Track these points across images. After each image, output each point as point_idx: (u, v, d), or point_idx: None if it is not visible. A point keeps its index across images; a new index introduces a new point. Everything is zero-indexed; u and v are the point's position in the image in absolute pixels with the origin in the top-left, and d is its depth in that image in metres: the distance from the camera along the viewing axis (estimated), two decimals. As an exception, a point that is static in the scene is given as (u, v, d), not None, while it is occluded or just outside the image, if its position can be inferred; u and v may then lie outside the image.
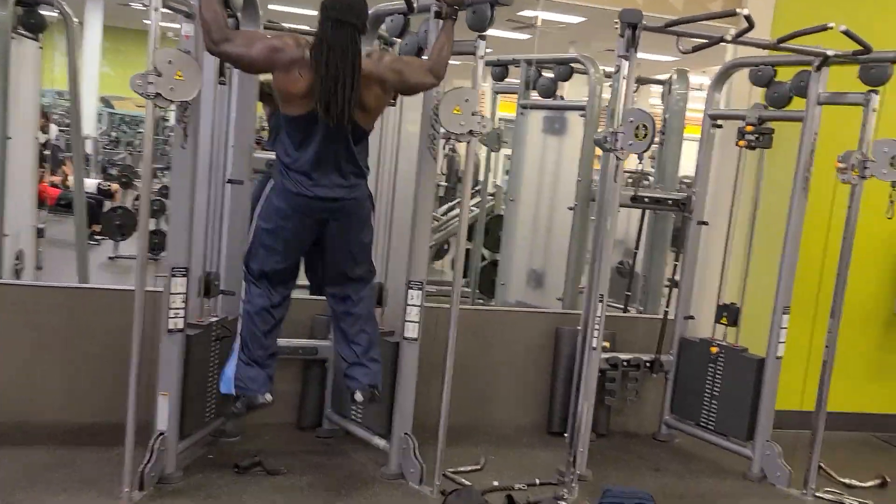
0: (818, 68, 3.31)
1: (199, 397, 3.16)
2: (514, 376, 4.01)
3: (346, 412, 3.52)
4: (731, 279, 3.89)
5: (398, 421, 3.23)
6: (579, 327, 3.87)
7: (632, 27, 2.96)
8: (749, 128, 3.63)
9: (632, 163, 3.82)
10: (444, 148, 2.98)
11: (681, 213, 3.84)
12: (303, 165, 2.74)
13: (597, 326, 3.32)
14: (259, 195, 2.99)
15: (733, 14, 2.94)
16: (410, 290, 3.14)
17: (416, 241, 3.15)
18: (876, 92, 3.28)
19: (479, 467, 3.43)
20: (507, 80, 4.69)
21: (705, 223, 3.91)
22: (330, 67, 2.60)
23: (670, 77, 4.45)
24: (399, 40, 3.27)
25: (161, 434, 2.86)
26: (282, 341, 3.47)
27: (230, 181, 3.27)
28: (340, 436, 3.60)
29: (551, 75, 4.41)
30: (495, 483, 3.25)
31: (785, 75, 3.63)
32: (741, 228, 3.83)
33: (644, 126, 2.94)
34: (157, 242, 4.93)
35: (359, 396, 3.00)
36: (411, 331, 3.16)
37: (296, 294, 3.58)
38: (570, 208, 4.12)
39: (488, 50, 2.96)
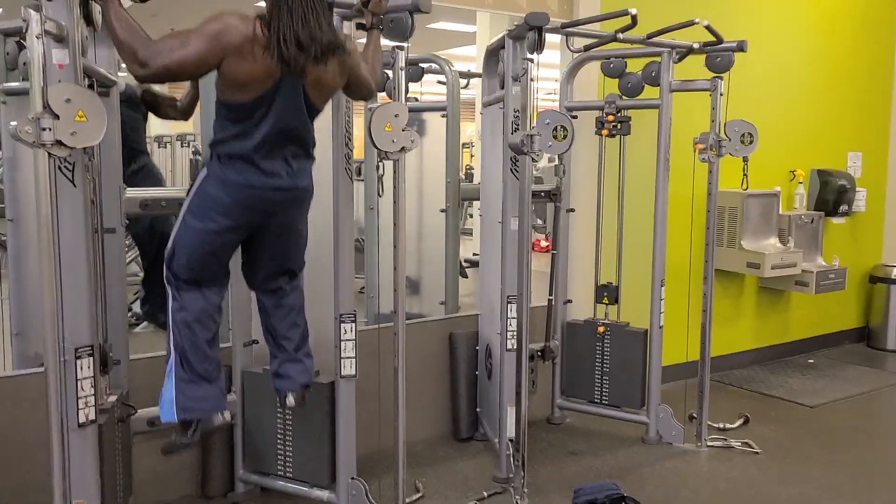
0: (680, 59, 3.59)
1: (111, 494, 2.64)
2: (412, 390, 3.84)
3: (267, 468, 3.16)
4: (603, 260, 4.12)
5: (342, 466, 2.98)
6: (475, 330, 3.93)
7: (537, 30, 2.97)
8: (609, 117, 3.84)
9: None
10: (378, 168, 2.76)
11: (552, 203, 3.96)
12: (250, 152, 2.35)
13: (512, 328, 3.35)
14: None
15: (624, 14, 3.06)
16: (343, 325, 2.90)
17: (341, 271, 2.90)
18: (721, 78, 3.64)
19: (421, 495, 3.29)
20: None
21: (572, 210, 4.09)
22: (297, 26, 2.25)
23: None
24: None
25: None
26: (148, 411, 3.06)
27: (105, 230, 2.73)
28: (258, 496, 3.24)
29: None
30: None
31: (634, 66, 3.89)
32: (610, 212, 4.06)
33: (563, 127, 2.97)
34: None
35: (291, 400, 2.72)
36: (348, 367, 2.92)
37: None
38: (443, 210, 4.06)
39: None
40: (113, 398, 2.69)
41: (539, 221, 6.53)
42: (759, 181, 4.67)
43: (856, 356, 5.72)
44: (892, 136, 6.05)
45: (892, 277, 5.85)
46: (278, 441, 3.11)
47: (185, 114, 3.20)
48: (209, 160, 2.44)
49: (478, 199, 4.21)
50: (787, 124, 5.26)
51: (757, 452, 3.76)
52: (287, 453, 3.10)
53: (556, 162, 3.91)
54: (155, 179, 4.25)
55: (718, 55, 3.60)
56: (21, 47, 3.19)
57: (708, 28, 3.37)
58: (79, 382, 2.31)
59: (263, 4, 2.36)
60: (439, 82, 4.20)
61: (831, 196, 5.42)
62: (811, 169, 5.46)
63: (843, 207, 5.45)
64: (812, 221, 5.29)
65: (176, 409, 2.46)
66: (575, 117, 4.02)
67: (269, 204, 2.45)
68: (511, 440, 3.34)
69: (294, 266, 2.70)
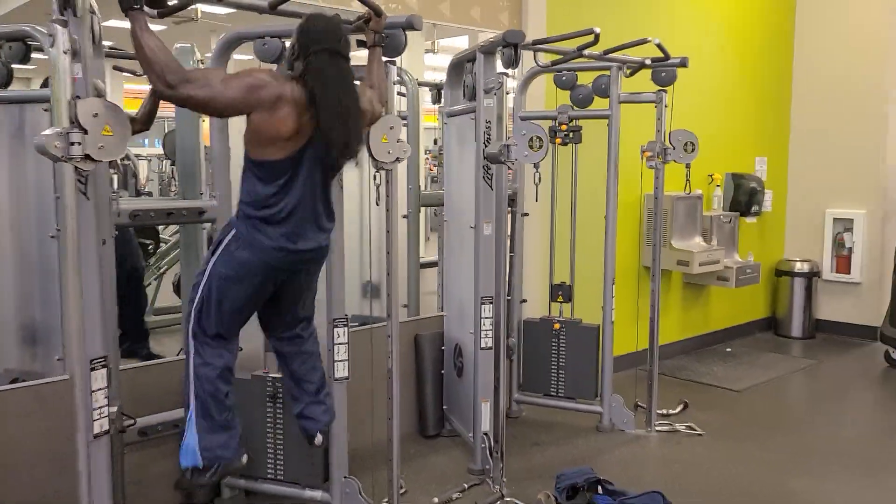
0: (632, 73, 3.87)
1: (114, 505, 2.64)
2: (379, 390, 3.97)
3: (256, 472, 3.21)
4: (557, 261, 4.36)
5: (336, 466, 3.08)
6: (440, 331, 4.08)
7: (513, 47, 3.16)
8: (563, 126, 4.08)
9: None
10: (374, 179, 2.86)
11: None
12: (282, 215, 2.41)
13: (490, 327, 3.53)
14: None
15: (589, 33, 3.30)
16: (336, 329, 2.99)
17: (334, 277, 3.00)
18: (665, 91, 3.95)
19: (404, 490, 3.41)
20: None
21: (527, 214, 4.31)
22: (342, 102, 2.34)
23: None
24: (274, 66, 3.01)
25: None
26: (159, 416, 3.09)
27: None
28: (243, 500, 3.28)
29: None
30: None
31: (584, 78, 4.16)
32: (562, 215, 4.30)
33: (538, 138, 3.18)
34: None
35: (319, 440, 2.81)
36: (341, 370, 3.02)
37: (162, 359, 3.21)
38: (405, 216, 4.18)
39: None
40: (114, 409, 2.69)
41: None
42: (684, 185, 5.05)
43: (767, 344, 6.24)
44: (792, 143, 6.64)
45: (795, 271, 6.41)
46: (268, 444, 3.17)
47: (144, 124, 3.21)
48: (237, 220, 2.48)
49: (436, 205, 4.37)
50: (705, 131, 5.62)
51: (700, 435, 4.10)
52: (278, 456, 3.16)
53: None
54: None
55: (664, 70, 3.91)
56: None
57: (658, 46, 3.66)
58: (93, 394, 2.33)
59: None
60: (399, 93, 4.32)
61: (744, 198, 5.90)
62: (726, 173, 5.93)
63: (755, 208, 5.93)
64: (730, 221, 5.75)
65: (200, 456, 2.51)
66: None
67: (297, 264, 2.53)
68: (486, 433, 3.52)
69: (310, 312, 2.78)
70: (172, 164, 4.42)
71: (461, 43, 4.89)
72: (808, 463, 3.77)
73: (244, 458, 2.64)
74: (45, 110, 2.96)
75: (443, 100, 4.21)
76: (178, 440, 3.21)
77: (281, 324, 2.74)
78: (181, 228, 3.46)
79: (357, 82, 2.50)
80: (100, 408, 2.35)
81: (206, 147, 3.42)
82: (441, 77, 4.59)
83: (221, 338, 2.54)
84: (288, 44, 2.61)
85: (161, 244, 5.39)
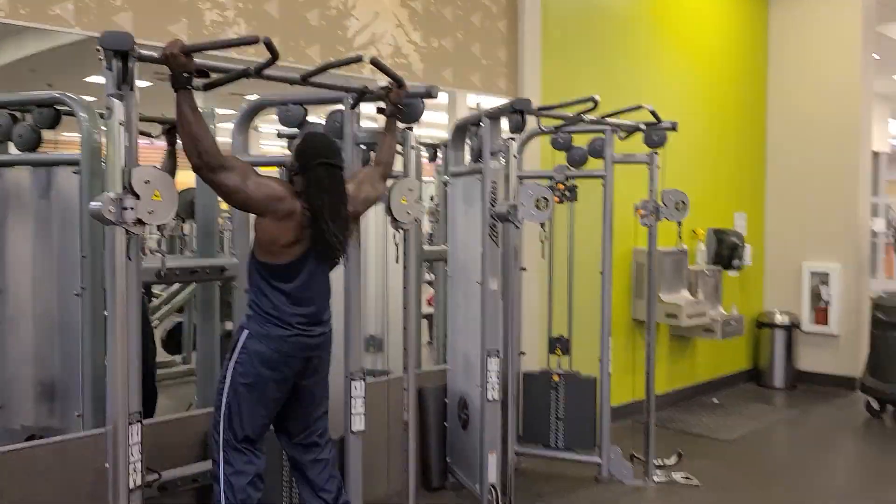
0: (627, 136, 4.09)
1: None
2: (385, 443, 4.07)
3: (271, 527, 3.26)
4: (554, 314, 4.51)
5: (352, 518, 3.13)
6: (443, 384, 4.18)
7: (520, 113, 3.35)
8: (560, 185, 4.27)
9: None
10: (394, 238, 3.00)
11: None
12: (290, 308, 2.65)
13: (496, 379, 3.63)
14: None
15: (590, 100, 3.51)
16: (353, 382, 3.08)
17: (351, 331, 3.10)
18: (657, 153, 4.17)
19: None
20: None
21: (524, 269, 4.46)
22: (331, 211, 2.59)
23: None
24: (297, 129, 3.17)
25: None
26: (174, 472, 3.13)
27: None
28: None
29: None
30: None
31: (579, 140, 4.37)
32: (559, 270, 4.47)
33: (544, 199, 3.35)
34: None
35: None
36: (358, 423, 3.10)
37: (177, 413, 3.28)
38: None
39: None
40: (140, 463, 2.75)
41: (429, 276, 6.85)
42: (670, 240, 5.26)
43: (751, 394, 6.41)
44: (768, 199, 6.93)
45: (776, 323, 6.63)
46: (283, 495, 3.22)
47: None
48: (247, 321, 2.69)
49: (436, 260, 4.51)
50: (688, 189, 5.90)
51: (697, 485, 4.21)
52: (283, 483, 3.21)
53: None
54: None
55: (656, 134, 4.13)
56: (14, 119, 3.23)
57: (651, 112, 3.89)
58: (130, 448, 2.39)
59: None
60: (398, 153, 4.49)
61: (726, 252, 6.13)
62: (708, 228, 6.17)
63: (737, 262, 6.16)
64: (714, 275, 5.96)
65: None
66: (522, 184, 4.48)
67: (307, 349, 2.71)
68: (493, 485, 3.60)
69: (321, 412, 2.89)
70: (183, 221, 4.50)
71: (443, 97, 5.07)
72: (803, 511, 3.90)
73: None
74: (75, 173, 3.07)
75: (443, 159, 4.39)
76: (193, 495, 3.28)
77: (299, 426, 2.84)
78: (198, 285, 3.55)
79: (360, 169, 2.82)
80: (134, 462, 2.42)
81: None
82: (433, 132, 4.79)
83: (250, 441, 2.67)
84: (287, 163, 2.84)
85: (153, 298, 5.43)
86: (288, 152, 3.65)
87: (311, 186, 2.59)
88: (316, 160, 2.61)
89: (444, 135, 4.53)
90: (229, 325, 3.76)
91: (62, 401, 3.20)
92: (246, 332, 2.66)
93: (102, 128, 2.93)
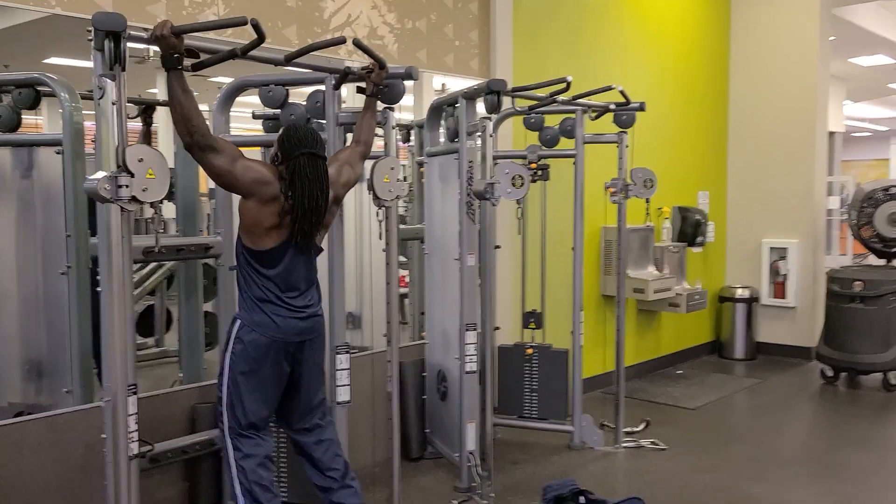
0: (597, 117, 4.22)
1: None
2: (364, 416, 4.19)
3: (258, 496, 3.35)
4: (528, 290, 4.66)
5: (337, 486, 3.25)
6: (421, 358, 4.31)
7: (496, 94, 3.45)
8: (533, 165, 4.40)
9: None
10: (377, 215, 3.09)
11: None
12: (277, 294, 2.73)
13: (474, 352, 3.77)
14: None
15: (562, 81, 3.63)
16: (338, 356, 3.19)
17: (335, 307, 3.20)
18: (626, 132, 4.32)
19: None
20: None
21: (499, 247, 4.59)
22: (310, 201, 2.66)
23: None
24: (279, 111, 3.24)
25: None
26: (164, 444, 3.21)
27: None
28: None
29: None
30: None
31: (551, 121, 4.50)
32: (532, 247, 4.61)
33: (520, 176, 3.47)
34: None
35: None
36: (343, 395, 3.21)
37: (164, 389, 3.38)
38: (384, 250, 4.40)
39: None
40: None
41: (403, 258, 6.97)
42: (637, 218, 5.43)
43: (713, 365, 6.66)
44: (730, 178, 7.15)
45: (737, 297, 6.87)
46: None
47: None
48: (240, 311, 2.77)
49: (412, 239, 4.61)
50: (655, 167, 6.10)
51: (664, 449, 4.41)
52: (281, 476, 3.32)
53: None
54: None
55: (625, 114, 4.27)
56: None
57: (621, 92, 4.03)
58: (130, 418, 2.47)
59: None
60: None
61: (690, 229, 6.33)
62: (673, 206, 6.36)
63: (700, 238, 6.37)
64: (678, 251, 6.16)
65: None
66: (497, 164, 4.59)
67: (299, 332, 2.78)
68: (471, 453, 3.74)
69: (320, 398, 2.98)
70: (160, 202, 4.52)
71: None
72: (764, 471, 4.11)
73: None
74: (57, 153, 3.11)
75: (416, 139, 4.48)
76: (182, 465, 3.37)
77: (299, 413, 2.93)
78: (181, 264, 3.61)
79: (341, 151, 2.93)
80: (132, 432, 2.50)
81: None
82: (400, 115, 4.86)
83: (255, 427, 2.77)
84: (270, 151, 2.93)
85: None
86: (263, 132, 3.73)
87: (292, 176, 2.67)
88: (298, 150, 2.69)
89: (409, 116, 4.62)
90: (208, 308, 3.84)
91: (49, 378, 3.25)
92: (238, 322, 2.75)
93: (85, 110, 2.97)
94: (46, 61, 3.61)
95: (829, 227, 9.53)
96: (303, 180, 2.66)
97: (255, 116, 3.88)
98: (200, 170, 3.56)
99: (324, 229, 2.84)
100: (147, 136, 3.68)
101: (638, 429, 4.73)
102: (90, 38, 2.30)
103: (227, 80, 3.45)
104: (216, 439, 3.30)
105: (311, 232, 2.72)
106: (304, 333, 2.82)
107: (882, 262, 6.09)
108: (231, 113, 3.50)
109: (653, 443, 4.48)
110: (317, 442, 2.94)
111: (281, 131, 2.80)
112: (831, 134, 12.61)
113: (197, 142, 2.46)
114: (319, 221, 2.74)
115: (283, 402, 2.90)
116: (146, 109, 3.72)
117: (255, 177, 2.62)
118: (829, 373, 5.95)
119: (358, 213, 4.56)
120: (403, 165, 5.31)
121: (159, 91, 3.74)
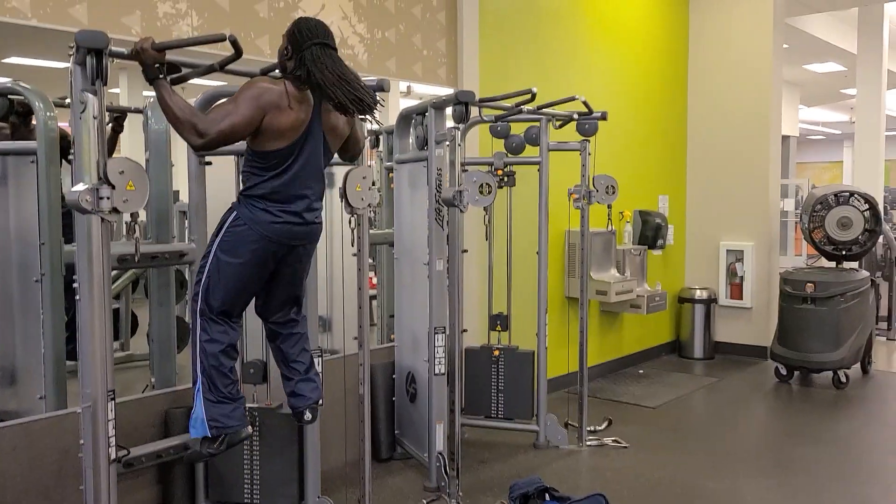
0: (561, 126, 4.36)
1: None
2: (334, 418, 4.26)
3: (233, 497, 3.42)
4: (494, 293, 4.78)
5: (310, 486, 3.34)
6: (391, 360, 4.40)
7: (464, 105, 3.57)
8: (499, 171, 4.52)
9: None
10: (350, 223, 3.18)
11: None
12: (280, 192, 2.71)
13: (443, 354, 3.88)
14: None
15: (528, 93, 3.75)
16: (313, 358, 3.27)
17: (308, 312, 3.28)
18: (588, 140, 4.46)
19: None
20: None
21: (466, 251, 4.70)
22: (343, 74, 2.64)
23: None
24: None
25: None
26: (139, 449, 3.25)
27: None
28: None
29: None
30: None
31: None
32: (499, 252, 4.73)
33: (487, 184, 3.59)
34: None
35: (308, 416, 3.03)
36: (316, 397, 3.29)
37: (137, 394, 3.42)
38: (354, 255, 4.48)
39: None
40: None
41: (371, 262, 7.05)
42: (600, 222, 5.59)
43: (673, 365, 6.87)
44: (689, 183, 7.36)
45: (696, 298, 7.09)
46: (245, 469, 3.39)
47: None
48: (238, 204, 2.77)
49: (384, 244, 4.70)
50: (617, 174, 6.28)
51: (626, 447, 4.57)
52: (255, 480, 3.39)
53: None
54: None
55: (587, 123, 4.42)
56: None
57: (584, 103, 4.17)
58: (108, 423, 2.53)
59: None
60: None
61: (651, 232, 6.52)
62: (634, 210, 6.54)
63: (660, 241, 6.56)
64: (639, 254, 6.34)
65: (207, 426, 2.75)
66: (465, 170, 4.71)
67: (293, 237, 2.79)
68: (440, 453, 3.85)
69: (301, 293, 3.04)
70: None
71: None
72: (721, 466, 4.29)
73: (248, 429, 2.87)
74: (32, 162, 3.14)
75: (384, 145, 4.57)
76: (155, 471, 3.42)
77: (277, 307, 2.97)
78: (153, 270, 3.65)
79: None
80: (111, 437, 2.56)
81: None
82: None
83: (226, 314, 2.78)
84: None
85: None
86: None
87: (308, 64, 2.62)
88: (311, 40, 2.64)
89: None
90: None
91: (22, 385, 3.27)
92: (234, 213, 2.74)
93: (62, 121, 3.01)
94: (6, 61, 3.62)
95: (785, 229, 9.83)
96: (321, 65, 2.62)
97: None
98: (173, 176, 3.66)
99: (335, 135, 2.84)
100: (113, 142, 3.72)
101: (601, 427, 4.88)
102: (71, 52, 2.36)
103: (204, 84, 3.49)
104: (191, 444, 3.35)
105: (356, 97, 2.65)
106: (298, 239, 2.81)
107: (832, 264, 6.33)
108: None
109: (615, 441, 4.63)
110: (289, 334, 3.00)
111: (291, 25, 2.73)
112: (786, 138, 12.98)
113: (201, 131, 2.49)
114: (361, 88, 2.68)
115: (263, 295, 2.93)
116: (118, 118, 3.76)
117: (252, 94, 2.58)
118: (783, 371, 6.18)
119: (328, 218, 4.64)
120: (369, 166, 5.45)
121: (120, 90, 3.77)
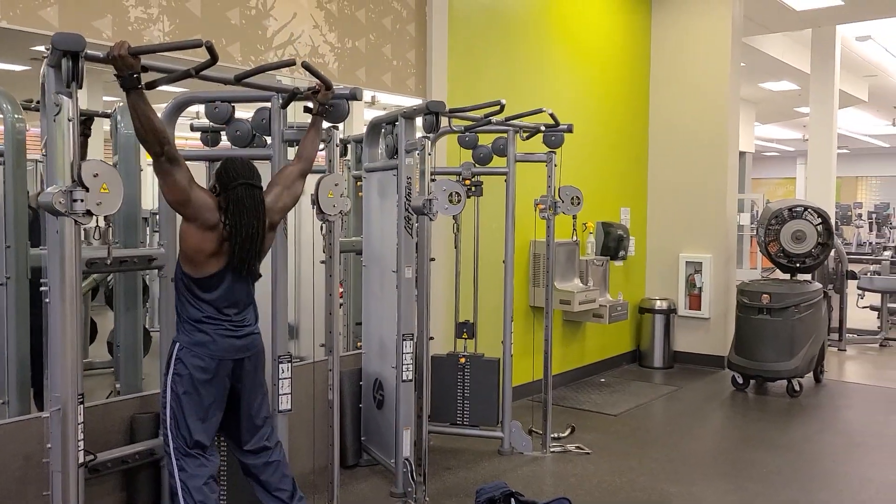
0: (528, 137, 4.44)
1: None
2: (301, 425, 4.27)
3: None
4: (461, 301, 4.83)
5: (279, 493, 3.33)
6: (357, 367, 4.42)
7: (435, 115, 3.63)
8: (467, 181, 4.59)
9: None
10: (321, 229, 3.20)
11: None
12: (214, 315, 2.85)
13: (411, 361, 3.92)
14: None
15: (496, 104, 3.83)
16: (281, 364, 3.29)
17: (278, 318, 3.30)
18: (555, 152, 4.56)
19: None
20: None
21: (433, 259, 4.75)
22: (247, 229, 2.81)
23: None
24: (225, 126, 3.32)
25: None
26: (105, 454, 3.25)
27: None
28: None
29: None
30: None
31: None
32: (466, 260, 4.79)
33: (457, 193, 3.65)
34: None
35: None
36: (285, 403, 3.31)
37: (101, 400, 3.41)
38: (322, 262, 4.50)
39: None
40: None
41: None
42: (564, 232, 5.69)
43: (633, 373, 7.00)
44: (650, 196, 7.53)
45: (656, 308, 7.24)
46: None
47: None
48: (178, 334, 2.89)
49: (351, 252, 4.73)
50: (581, 185, 6.40)
51: (588, 453, 4.65)
52: (222, 492, 3.38)
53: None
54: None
55: (554, 135, 4.51)
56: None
57: (551, 115, 4.27)
58: (77, 427, 2.52)
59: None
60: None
61: (613, 244, 6.65)
62: (597, 222, 6.67)
63: (622, 252, 6.69)
64: (602, 264, 6.46)
65: None
66: (434, 180, 4.76)
67: (236, 350, 2.90)
68: (407, 459, 3.88)
69: (265, 416, 3.09)
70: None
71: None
72: (679, 472, 4.39)
73: None
74: (0, 164, 3.11)
75: (352, 154, 4.60)
76: (121, 477, 3.39)
77: (245, 432, 3.02)
78: (120, 275, 3.63)
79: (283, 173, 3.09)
80: (80, 441, 2.55)
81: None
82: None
83: (200, 446, 2.84)
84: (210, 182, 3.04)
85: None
86: (202, 144, 3.80)
87: (231, 205, 2.81)
88: (236, 181, 2.84)
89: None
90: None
91: (-14, 390, 3.23)
92: (177, 344, 2.86)
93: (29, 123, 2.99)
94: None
95: (741, 242, 10.07)
96: (241, 209, 2.81)
97: (193, 129, 3.93)
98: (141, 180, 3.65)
99: (262, 255, 2.97)
100: (83, 147, 3.69)
101: (564, 434, 4.96)
102: (45, 55, 2.36)
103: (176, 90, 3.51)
104: (157, 449, 3.35)
105: (249, 259, 2.86)
106: (242, 351, 2.93)
107: (787, 276, 6.53)
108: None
109: (578, 447, 4.71)
110: (265, 464, 3.04)
111: (219, 164, 2.94)
112: (742, 154, 13.32)
113: (168, 153, 2.59)
114: (257, 248, 2.88)
115: (228, 421, 2.99)
116: (86, 121, 3.74)
117: (203, 202, 2.77)
118: (740, 380, 6.34)
119: (297, 225, 4.65)
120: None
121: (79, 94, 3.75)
